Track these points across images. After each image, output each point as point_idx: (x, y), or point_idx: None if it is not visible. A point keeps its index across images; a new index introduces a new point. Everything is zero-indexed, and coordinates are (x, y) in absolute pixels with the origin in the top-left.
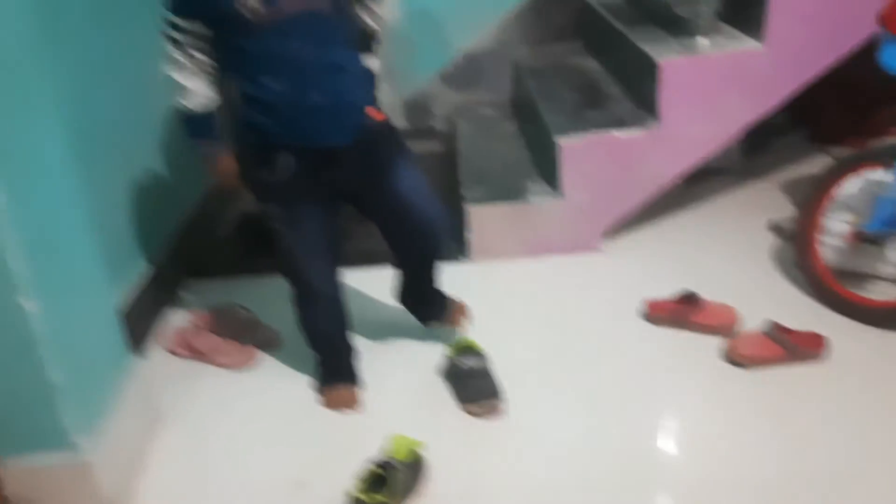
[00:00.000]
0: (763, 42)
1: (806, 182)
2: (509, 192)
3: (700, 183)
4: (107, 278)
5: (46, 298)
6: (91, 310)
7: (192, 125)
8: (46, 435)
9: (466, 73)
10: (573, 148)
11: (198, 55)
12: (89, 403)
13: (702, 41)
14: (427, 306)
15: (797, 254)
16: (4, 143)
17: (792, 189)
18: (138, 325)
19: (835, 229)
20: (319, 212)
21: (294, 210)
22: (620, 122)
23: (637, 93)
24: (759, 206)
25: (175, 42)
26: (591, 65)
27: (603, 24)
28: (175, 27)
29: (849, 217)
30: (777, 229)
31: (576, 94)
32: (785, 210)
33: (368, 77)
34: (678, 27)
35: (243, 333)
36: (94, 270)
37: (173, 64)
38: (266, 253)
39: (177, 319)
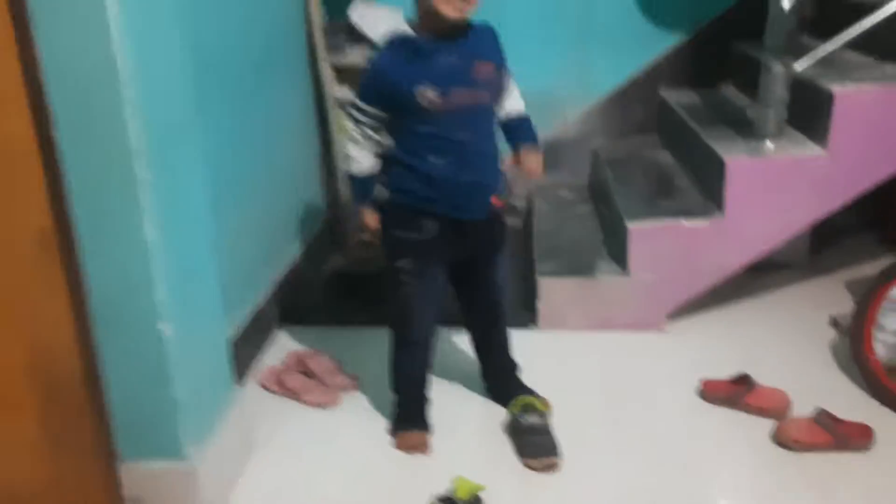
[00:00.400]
0: (826, 149)
1: (869, 281)
2: (579, 267)
3: (767, 275)
4: (223, 311)
5: (179, 324)
6: (210, 337)
7: (355, 188)
8: (164, 444)
9: (549, 156)
10: (642, 232)
11: (371, 133)
12: (201, 420)
13: (768, 144)
14: (507, 389)
15: (852, 348)
16: (165, 189)
17: (856, 287)
18: (240, 358)
19: (890, 327)
20: (441, 271)
21: (424, 267)
22: (688, 212)
23: (705, 186)
24: (823, 301)
25: (356, 121)
26: (664, 158)
27: (678, 121)
28: (359, 109)
29: None
30: (836, 324)
31: (648, 183)
32: (847, 307)
33: (499, 163)
34: (747, 129)
35: (328, 376)
36: (216, 302)
37: (351, 138)
38: (353, 307)
39: (271, 358)
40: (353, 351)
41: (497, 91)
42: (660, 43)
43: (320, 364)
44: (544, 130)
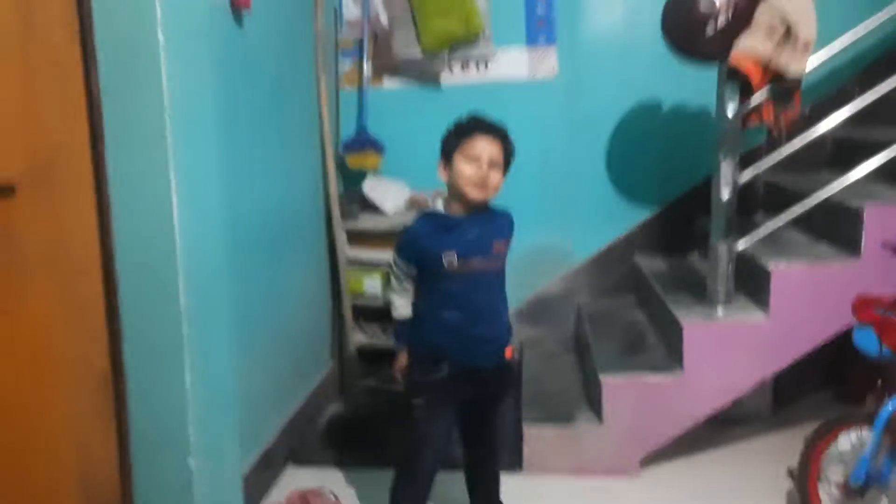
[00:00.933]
0: (768, 316)
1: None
2: (560, 415)
3: (733, 427)
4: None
5: (203, 459)
6: (228, 473)
7: (398, 331)
8: None
9: (537, 310)
10: (613, 384)
11: (407, 284)
12: None
13: (719, 310)
14: None
15: (801, 499)
16: (202, 342)
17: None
18: (249, 494)
19: (835, 479)
20: (451, 413)
21: (435, 407)
22: (654, 367)
23: (669, 345)
24: (783, 453)
25: (395, 275)
26: (638, 316)
27: (648, 285)
28: (397, 265)
29: (842, 469)
30: (791, 475)
31: (622, 339)
32: None
33: (508, 321)
34: (703, 295)
35: None
36: (234, 442)
37: (392, 289)
38: (355, 450)
39: (278, 495)
40: (353, 490)
41: (504, 262)
42: (633, 216)
43: (322, 502)
44: (534, 287)
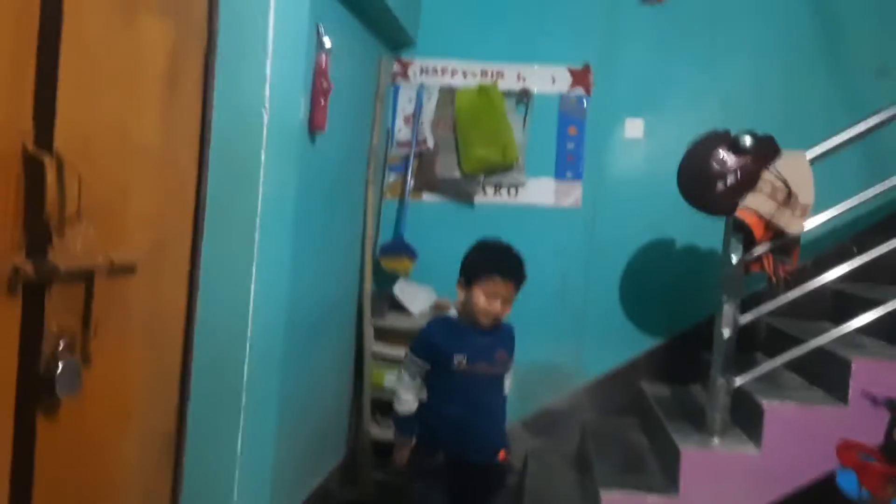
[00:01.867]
0: (760, 450)
1: None
2: None
3: None
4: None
5: None
6: None
7: (398, 422)
8: None
9: (543, 423)
10: (611, 500)
11: (417, 379)
12: None
13: (715, 439)
14: None
15: None
16: (254, 412)
17: None
18: None
19: None
20: (446, 502)
21: (431, 493)
22: (650, 488)
23: (666, 469)
24: None
25: (408, 368)
26: (640, 439)
27: (651, 410)
28: (411, 360)
29: None
30: None
31: (623, 459)
32: None
33: (504, 426)
34: (702, 424)
35: None
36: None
37: (402, 383)
38: None
39: None
40: None
41: (505, 369)
42: (642, 343)
43: None
44: (543, 401)
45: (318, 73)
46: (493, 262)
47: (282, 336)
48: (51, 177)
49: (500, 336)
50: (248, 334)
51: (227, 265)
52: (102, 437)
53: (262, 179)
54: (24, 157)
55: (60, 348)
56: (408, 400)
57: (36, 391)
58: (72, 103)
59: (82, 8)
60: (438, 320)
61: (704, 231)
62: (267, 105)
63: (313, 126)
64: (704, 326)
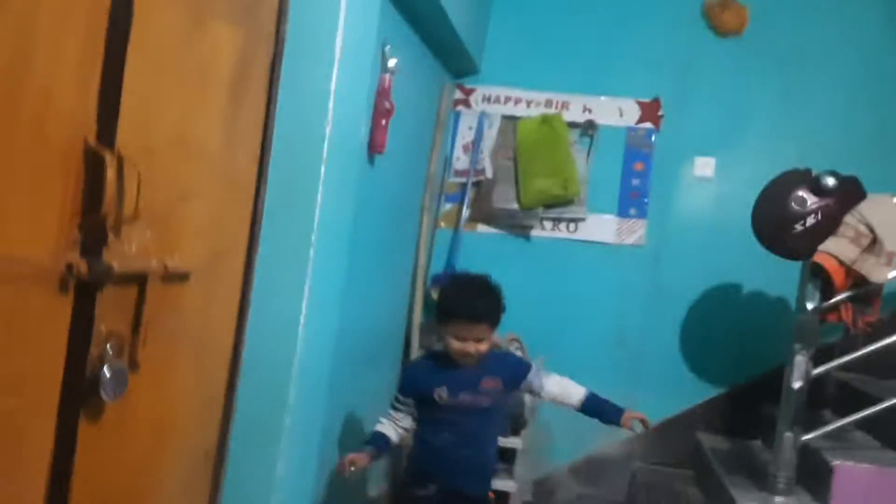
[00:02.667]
0: None
1: None
2: None
3: None
4: None
5: None
6: None
7: (372, 437)
8: None
9: (591, 470)
10: None
11: (402, 416)
12: None
13: (778, 499)
14: None
15: None
16: (297, 434)
17: None
18: None
19: None
20: None
21: None
22: None
23: None
24: None
25: (394, 405)
26: (693, 492)
27: (707, 463)
28: (398, 399)
29: None
30: None
31: None
32: None
33: (495, 459)
34: (763, 482)
35: None
36: None
37: (386, 415)
38: None
39: None
40: None
41: (498, 398)
42: (701, 392)
43: None
44: (592, 447)
45: (381, 94)
46: (460, 303)
47: (330, 361)
48: (111, 173)
49: (487, 365)
50: (297, 356)
51: (279, 283)
52: (144, 447)
53: (320, 197)
54: (86, 152)
55: (109, 352)
56: (382, 424)
57: (81, 393)
58: (136, 103)
59: (152, 9)
60: (422, 357)
61: (774, 279)
62: (330, 121)
63: (373, 148)
64: (769, 379)
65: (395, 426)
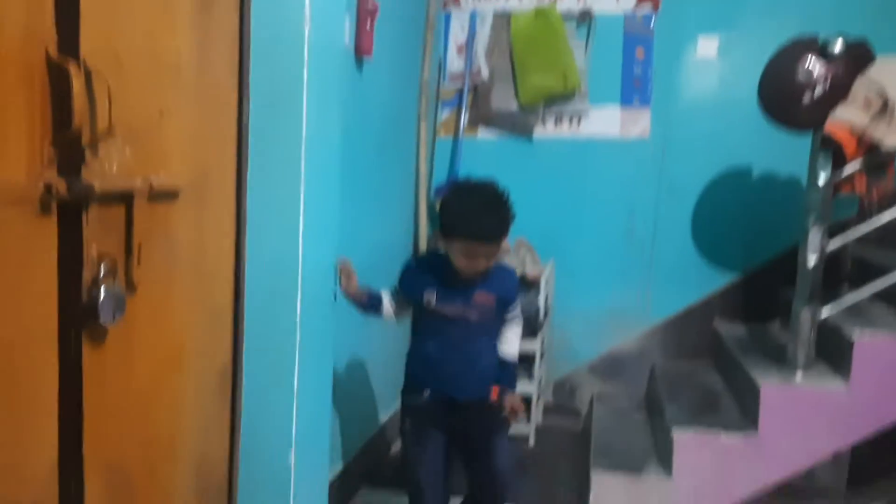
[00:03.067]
0: (847, 386)
1: None
2: (628, 466)
3: (807, 499)
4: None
5: (301, 457)
6: (319, 471)
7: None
8: None
9: (610, 367)
10: (685, 439)
11: (398, 300)
12: None
13: (798, 375)
14: None
15: None
16: (309, 350)
17: None
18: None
19: None
20: (438, 438)
21: (420, 430)
22: (726, 427)
23: (743, 407)
24: None
25: (394, 291)
26: (713, 379)
27: (727, 350)
28: (396, 287)
29: None
30: None
31: (696, 399)
32: None
33: (496, 362)
34: (783, 361)
35: None
36: (326, 445)
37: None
38: None
39: None
40: None
41: (488, 314)
42: (714, 280)
43: None
44: (610, 345)
45: None
46: (469, 221)
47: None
48: (77, 85)
49: (487, 279)
50: (299, 271)
51: (273, 197)
52: (153, 369)
53: (305, 104)
54: (49, 64)
55: (102, 274)
56: (384, 293)
57: (79, 319)
58: (97, 12)
59: None
60: (424, 255)
61: (784, 157)
62: (307, 19)
63: (359, 50)
64: (783, 260)
65: (389, 303)
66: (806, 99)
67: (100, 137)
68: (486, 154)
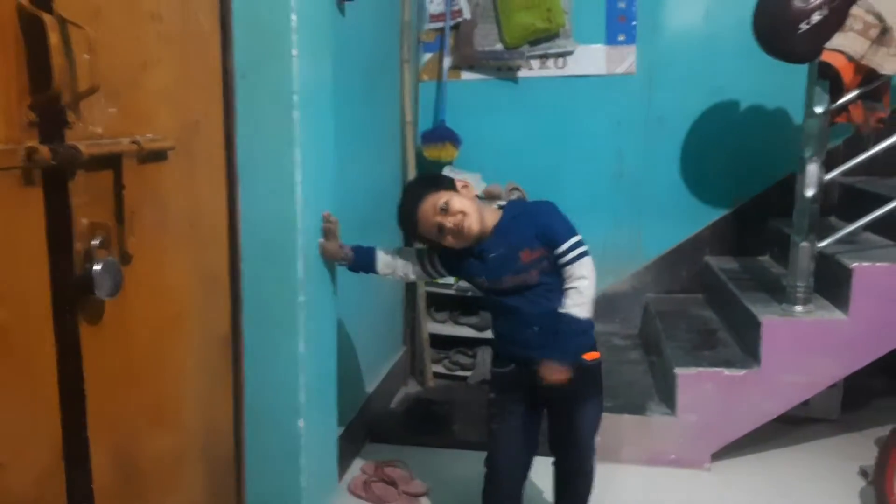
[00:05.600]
0: (847, 315)
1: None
2: (632, 407)
3: (803, 428)
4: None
5: (310, 422)
6: (328, 434)
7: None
8: None
9: (604, 308)
10: (688, 377)
11: (413, 261)
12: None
13: (798, 308)
14: None
15: (877, 496)
16: (313, 309)
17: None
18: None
19: None
20: (522, 411)
21: (505, 401)
22: (728, 362)
23: (744, 342)
24: (853, 453)
25: (419, 251)
26: (708, 315)
27: (721, 284)
28: (429, 255)
29: None
30: (864, 474)
31: (694, 336)
32: (874, 459)
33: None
34: (780, 294)
35: (402, 483)
36: (333, 407)
37: (403, 251)
38: (425, 431)
39: (354, 469)
40: (423, 466)
41: (546, 266)
42: (704, 216)
43: (395, 472)
44: (602, 285)
45: None
46: (408, 204)
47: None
48: (55, 38)
49: (514, 236)
50: (298, 226)
51: (266, 148)
52: (153, 341)
53: (295, 50)
54: (20, 16)
55: (96, 245)
56: (382, 253)
57: (73, 294)
58: None
59: None
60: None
61: (773, 87)
62: None
63: None
64: (773, 193)
65: (395, 259)
66: (802, 28)
67: (82, 96)
68: (470, 96)
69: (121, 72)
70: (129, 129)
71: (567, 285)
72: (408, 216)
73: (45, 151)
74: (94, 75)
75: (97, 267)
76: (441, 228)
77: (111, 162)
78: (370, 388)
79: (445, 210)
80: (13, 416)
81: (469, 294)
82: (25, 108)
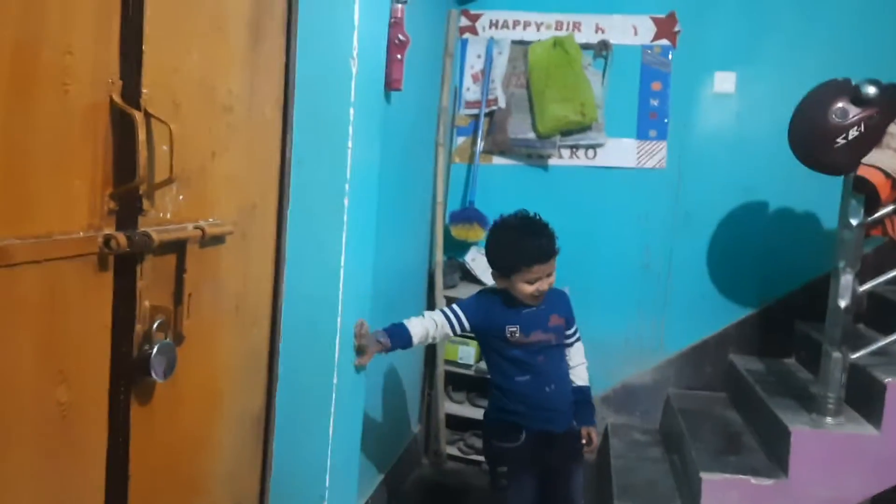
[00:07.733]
0: (880, 431)
1: None
2: None
3: None
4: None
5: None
6: None
7: (391, 327)
8: None
9: (624, 399)
10: (713, 483)
11: (443, 322)
12: None
13: (829, 419)
14: None
15: None
16: (344, 393)
17: None
18: None
19: None
20: (533, 479)
21: (519, 473)
22: (755, 470)
23: (770, 449)
24: None
25: (444, 312)
26: (732, 416)
27: (746, 386)
28: (455, 312)
29: None
30: None
31: (718, 438)
32: None
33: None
34: (809, 402)
35: None
36: (355, 487)
37: (429, 314)
38: None
39: None
40: None
41: (562, 335)
42: (729, 314)
43: None
44: (623, 375)
45: (394, 26)
46: (530, 251)
47: (370, 308)
48: (142, 134)
49: (550, 302)
50: (339, 308)
51: (315, 232)
52: (196, 419)
53: (350, 138)
54: (112, 112)
55: (154, 328)
56: (410, 320)
57: (130, 375)
58: (157, 54)
59: None
60: (490, 291)
61: (800, 193)
62: (356, 57)
63: (389, 84)
64: (799, 295)
65: (424, 324)
66: (840, 142)
67: (159, 186)
68: (501, 180)
69: (193, 161)
70: (195, 215)
71: (577, 362)
72: (514, 267)
73: (122, 239)
74: (172, 167)
75: (154, 350)
76: (539, 290)
77: (176, 247)
78: (386, 468)
79: (546, 277)
80: (61, 491)
81: (488, 376)
82: (107, 196)
